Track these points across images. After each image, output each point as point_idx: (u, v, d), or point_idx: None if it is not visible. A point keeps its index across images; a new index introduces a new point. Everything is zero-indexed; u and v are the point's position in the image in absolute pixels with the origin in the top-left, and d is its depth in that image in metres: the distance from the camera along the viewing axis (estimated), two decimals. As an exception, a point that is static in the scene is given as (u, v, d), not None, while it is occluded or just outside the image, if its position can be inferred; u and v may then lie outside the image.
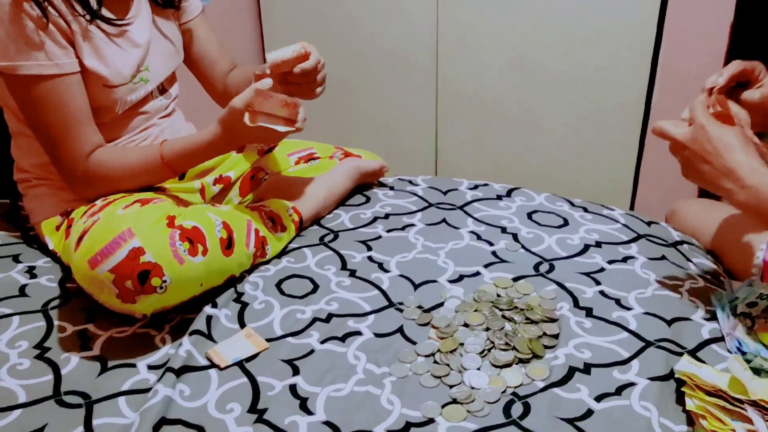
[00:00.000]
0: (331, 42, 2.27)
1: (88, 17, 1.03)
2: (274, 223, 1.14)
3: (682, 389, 0.83)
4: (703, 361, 0.89)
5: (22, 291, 1.07)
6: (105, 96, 1.07)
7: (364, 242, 1.19)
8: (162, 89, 1.21)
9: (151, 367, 0.90)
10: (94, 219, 0.94)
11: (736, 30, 1.90)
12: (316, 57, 1.12)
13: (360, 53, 2.25)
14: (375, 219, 1.27)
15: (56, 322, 0.99)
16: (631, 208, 2.16)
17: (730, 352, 0.91)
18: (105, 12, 1.07)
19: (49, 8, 0.98)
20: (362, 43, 2.23)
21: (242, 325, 0.98)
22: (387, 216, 1.28)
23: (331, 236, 1.22)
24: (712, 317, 0.98)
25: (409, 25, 2.15)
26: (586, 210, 1.29)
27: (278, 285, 1.07)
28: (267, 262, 1.13)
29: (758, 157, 0.89)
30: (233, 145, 1.09)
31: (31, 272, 1.12)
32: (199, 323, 0.96)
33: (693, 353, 0.91)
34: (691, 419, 0.80)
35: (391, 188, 1.40)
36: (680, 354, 0.90)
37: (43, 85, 0.99)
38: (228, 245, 1.01)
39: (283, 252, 1.16)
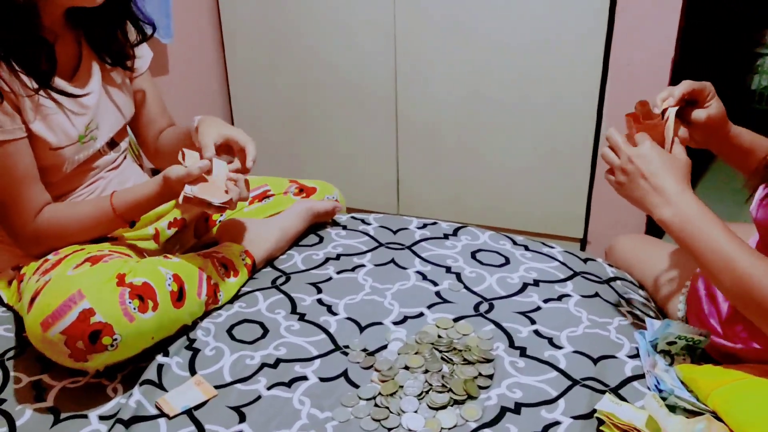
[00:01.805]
0: (292, 73, 2.33)
1: (35, 87, 1.06)
2: (226, 269, 1.19)
3: (601, 428, 0.89)
4: (624, 399, 0.96)
5: (-20, 342, 1.10)
6: (52, 157, 1.11)
7: (314, 284, 1.24)
8: (111, 143, 1.25)
9: (102, 418, 0.94)
10: (45, 279, 0.98)
11: (677, 64, 1.99)
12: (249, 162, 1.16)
13: (320, 85, 2.31)
14: (326, 260, 1.33)
15: (12, 373, 1.03)
16: (585, 233, 2.25)
17: (649, 389, 0.98)
18: (58, 81, 1.10)
19: None
20: (322, 73, 2.30)
21: (193, 372, 1.02)
22: (338, 257, 1.34)
23: (283, 278, 1.27)
24: (637, 354, 1.05)
25: (368, 57, 2.22)
26: (527, 248, 1.36)
27: (229, 330, 1.11)
28: (220, 308, 1.18)
29: (687, 180, 0.94)
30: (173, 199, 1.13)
31: (-11, 322, 1.16)
32: (150, 372, 1.00)
33: (616, 390, 0.97)
34: (608, 457, 0.87)
35: (344, 227, 1.46)
36: (603, 392, 0.96)
37: None
38: (179, 297, 1.05)
39: (236, 296, 1.21)
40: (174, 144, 1.29)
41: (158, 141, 1.35)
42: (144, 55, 1.31)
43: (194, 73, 2.38)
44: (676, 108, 1.01)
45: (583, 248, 2.27)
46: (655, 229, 2.15)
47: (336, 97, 2.32)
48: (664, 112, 1.02)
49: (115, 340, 0.94)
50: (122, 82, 1.26)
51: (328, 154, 2.42)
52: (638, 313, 1.16)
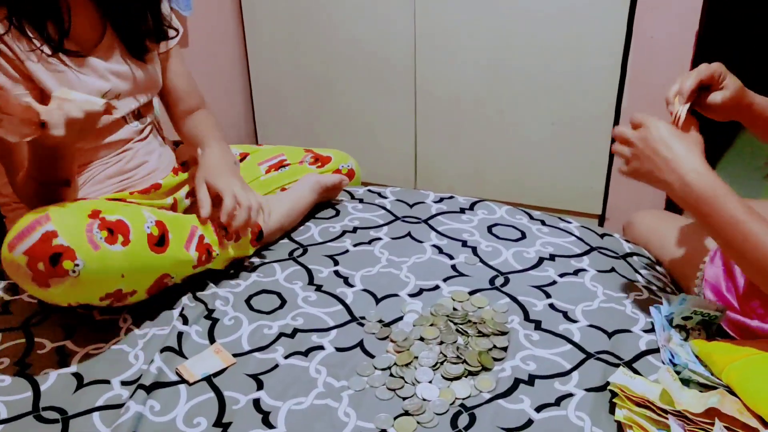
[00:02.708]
0: (311, 45, 2.32)
1: (48, 52, 1.08)
2: (226, 232, 1.20)
3: (614, 400, 0.90)
4: (638, 372, 0.96)
5: (5, 308, 1.13)
6: None
7: (331, 257, 1.25)
8: (137, 115, 1.26)
9: (124, 383, 0.96)
10: None
11: (701, 37, 1.96)
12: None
13: (339, 56, 2.31)
14: (343, 233, 1.34)
15: (36, 339, 1.06)
16: (603, 209, 2.23)
17: (663, 363, 0.98)
18: (69, 45, 1.11)
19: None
20: (341, 45, 2.29)
21: (212, 340, 1.04)
22: (355, 230, 1.34)
23: (300, 251, 1.28)
24: (652, 329, 1.05)
25: (388, 28, 2.20)
26: (543, 223, 1.36)
27: (247, 301, 1.13)
28: (238, 276, 1.19)
29: (702, 154, 0.93)
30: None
31: (13, 289, 1.18)
32: (171, 339, 1.02)
33: (629, 364, 0.98)
34: (620, 429, 0.87)
35: (361, 201, 1.46)
36: (617, 365, 0.97)
37: None
38: (159, 243, 1.05)
39: (254, 266, 1.22)
40: (190, 140, 1.35)
41: (184, 124, 1.37)
42: (172, 32, 1.32)
43: (214, 46, 2.38)
44: (687, 106, 0.99)
45: (601, 224, 2.26)
46: (674, 205, 2.14)
47: (355, 69, 2.31)
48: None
49: (77, 265, 0.93)
50: (148, 57, 1.26)
51: (346, 127, 2.42)
52: (654, 288, 1.16)
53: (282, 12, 2.32)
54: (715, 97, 1.02)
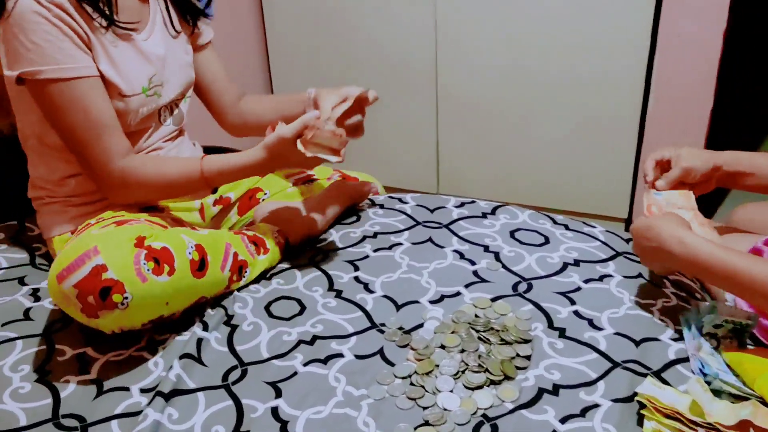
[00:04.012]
0: (333, 48, 2.32)
1: (104, 24, 1.09)
2: (257, 246, 1.20)
3: (642, 411, 0.87)
4: (667, 382, 0.93)
5: (27, 314, 1.14)
6: (119, 105, 1.12)
7: (351, 262, 1.24)
8: (171, 111, 1.26)
9: (143, 391, 0.96)
10: (73, 238, 1.00)
11: (729, 37, 1.92)
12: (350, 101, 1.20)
13: (360, 58, 2.30)
14: (363, 238, 1.32)
15: (57, 346, 1.06)
16: (629, 213, 2.19)
17: (693, 373, 0.95)
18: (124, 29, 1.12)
19: (66, 15, 1.03)
20: (362, 48, 2.28)
21: (231, 347, 1.04)
22: (375, 235, 1.33)
23: (321, 256, 1.27)
24: (681, 337, 1.02)
25: (409, 31, 2.19)
26: (567, 227, 1.33)
27: (267, 307, 1.12)
28: (258, 281, 1.19)
29: (684, 228, 1.00)
30: (272, 170, 1.16)
31: (35, 295, 1.19)
32: (190, 346, 1.02)
33: (658, 374, 0.95)
34: (649, 441, 0.85)
35: (381, 206, 1.45)
36: (645, 375, 0.94)
37: (65, 86, 1.04)
38: (200, 267, 1.05)
39: (274, 272, 1.22)
40: (274, 109, 1.34)
41: (241, 109, 1.37)
42: (204, 32, 1.34)
43: (235, 50, 2.39)
44: (651, 193, 1.17)
45: (627, 228, 2.22)
46: (702, 208, 2.09)
47: (375, 72, 2.30)
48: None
49: (126, 298, 0.95)
50: (186, 48, 1.27)
51: (367, 131, 2.40)
52: (683, 294, 1.13)
53: (303, 15, 2.32)
54: (672, 173, 1.15)
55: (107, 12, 1.09)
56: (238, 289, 1.16)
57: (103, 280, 0.93)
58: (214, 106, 1.38)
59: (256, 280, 1.19)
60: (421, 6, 2.13)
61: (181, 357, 0.99)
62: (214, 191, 1.23)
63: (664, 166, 1.18)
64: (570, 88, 2.06)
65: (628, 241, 1.29)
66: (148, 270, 0.97)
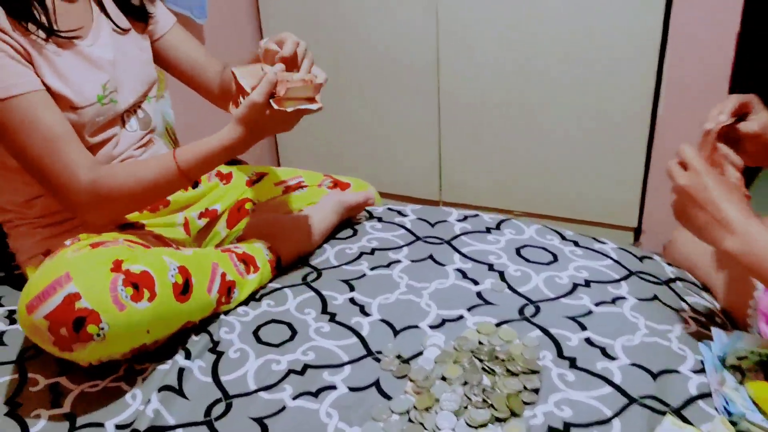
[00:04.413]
0: (329, 52, 2.24)
1: (43, 36, 1.01)
2: (246, 265, 1.12)
3: (662, 457, 0.79)
4: (688, 421, 0.86)
5: (0, 339, 1.06)
6: (72, 119, 1.04)
7: (347, 281, 1.17)
8: (137, 117, 1.18)
9: (119, 427, 0.88)
10: (45, 262, 0.93)
11: (743, 38, 1.83)
12: (290, 46, 1.07)
13: (358, 61, 2.22)
14: (360, 255, 1.25)
15: (29, 375, 0.98)
16: (639, 223, 2.11)
17: (716, 411, 0.87)
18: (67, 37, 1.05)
19: (2, 33, 0.96)
20: (361, 49, 2.20)
21: (216, 377, 0.96)
22: (373, 251, 1.25)
23: (314, 275, 1.19)
24: (702, 369, 0.94)
25: (408, 30, 2.11)
26: (577, 244, 1.25)
27: (255, 332, 1.05)
28: (246, 304, 1.11)
29: (748, 206, 0.86)
30: (253, 142, 1.05)
31: (11, 317, 1.12)
32: (170, 377, 0.94)
33: (678, 411, 0.87)
34: (670, 490, 0.77)
35: (380, 219, 1.38)
36: (664, 413, 0.86)
37: (9, 105, 0.96)
38: (184, 290, 0.98)
39: (264, 293, 1.14)
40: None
41: (222, 81, 1.28)
42: (161, 19, 1.25)
43: (231, 52, 2.31)
44: (718, 128, 0.97)
45: (637, 238, 2.14)
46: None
47: (375, 76, 2.22)
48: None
49: (102, 329, 0.87)
50: (139, 47, 1.19)
51: (366, 136, 2.34)
52: (702, 320, 1.05)
53: (301, 17, 2.25)
54: (751, 125, 0.98)
55: (45, 23, 1.01)
56: (226, 312, 1.09)
57: (76, 310, 0.86)
58: (201, 87, 1.29)
59: (245, 302, 1.12)
60: (421, 3, 2.05)
61: (161, 389, 0.92)
62: (195, 185, 1.14)
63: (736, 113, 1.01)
64: (577, 91, 1.98)
65: (641, 259, 1.21)
66: (126, 297, 0.89)
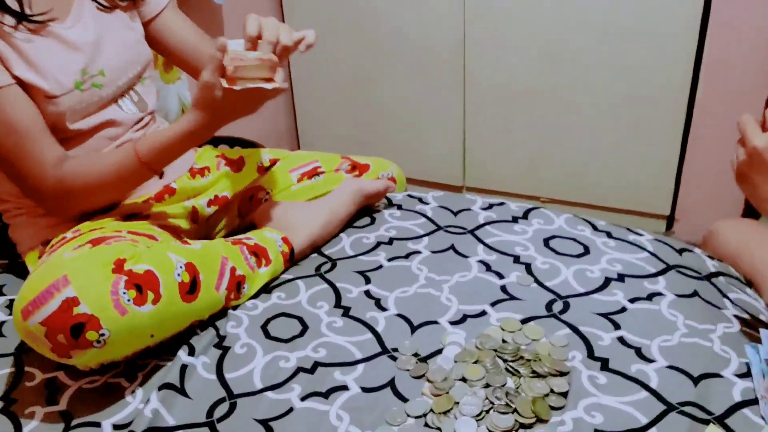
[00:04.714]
0: (353, 33, 2.17)
1: (12, 23, 0.95)
2: (258, 257, 1.06)
3: (705, 473, 0.72)
4: (732, 430, 0.78)
5: (-1, 329, 1.02)
6: (49, 108, 0.99)
7: (362, 273, 1.10)
8: (131, 100, 1.12)
9: (116, 427, 0.83)
10: (43, 261, 0.87)
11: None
12: (251, 24, 0.98)
13: (382, 46, 2.15)
14: (378, 245, 1.18)
15: (26, 368, 0.94)
16: (672, 211, 2.01)
17: (763, 419, 0.79)
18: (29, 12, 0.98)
19: None
20: (385, 34, 2.13)
21: (220, 375, 0.90)
22: (391, 241, 1.19)
23: (328, 265, 1.13)
24: (748, 372, 0.86)
25: (434, 13, 2.03)
26: (609, 235, 1.17)
27: (264, 326, 0.99)
28: (256, 296, 1.05)
29: None
30: (215, 126, 0.99)
31: (11, 306, 1.07)
32: (172, 375, 0.89)
33: (721, 420, 0.79)
34: None
35: (399, 207, 1.30)
36: (706, 422, 0.79)
37: None
38: (191, 290, 0.92)
39: (275, 284, 1.08)
40: None
41: None
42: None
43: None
44: None
45: (670, 226, 2.04)
46: (753, 210, 1.90)
47: (399, 58, 2.14)
48: None
49: (102, 335, 0.81)
50: (128, 26, 1.12)
51: (390, 121, 2.26)
52: (747, 317, 0.97)
53: (322, 2, 2.17)
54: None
55: (16, 7, 0.95)
56: (234, 306, 1.03)
57: (74, 316, 0.80)
58: (192, 71, 1.22)
59: (255, 294, 1.06)
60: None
61: (161, 387, 0.86)
62: (161, 176, 1.10)
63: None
64: (610, 76, 1.88)
65: (680, 251, 1.13)
66: (128, 300, 0.83)
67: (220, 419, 0.83)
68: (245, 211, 1.28)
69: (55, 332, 0.80)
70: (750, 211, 1.90)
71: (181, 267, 0.91)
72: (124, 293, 0.83)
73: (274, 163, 1.32)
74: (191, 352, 0.93)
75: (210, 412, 0.84)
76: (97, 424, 0.84)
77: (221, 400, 0.86)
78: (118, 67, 1.08)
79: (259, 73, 0.95)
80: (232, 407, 0.85)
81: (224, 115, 0.98)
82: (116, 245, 0.89)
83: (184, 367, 0.90)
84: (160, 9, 1.18)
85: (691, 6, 1.72)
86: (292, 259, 1.12)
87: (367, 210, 1.29)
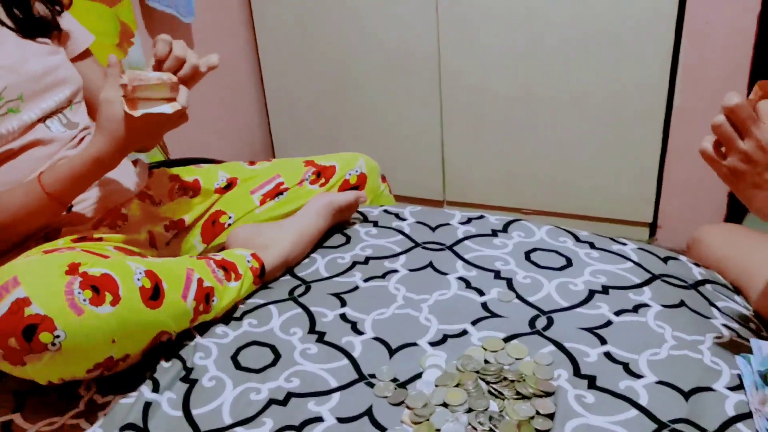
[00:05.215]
0: (326, 43, 2.14)
1: None
2: (226, 271, 1.02)
3: (702, 497, 0.68)
4: (728, 449, 0.74)
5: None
6: None
7: (338, 295, 1.05)
8: (60, 120, 1.08)
9: (75, 473, 0.78)
10: None
11: (764, 21, 1.71)
12: (161, 46, 0.96)
13: (356, 55, 2.12)
14: (353, 265, 1.13)
15: (-19, 412, 0.88)
16: (655, 218, 1.99)
17: (761, 436, 0.75)
18: None
19: None
20: (358, 43, 2.10)
21: (186, 411, 0.85)
22: (367, 260, 1.14)
23: (302, 288, 1.08)
24: (740, 384, 0.82)
25: (408, 21, 2.01)
26: (592, 246, 1.13)
27: (234, 356, 0.94)
28: (227, 323, 1.00)
29: None
30: (121, 151, 0.95)
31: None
32: (134, 413, 0.83)
33: (716, 437, 0.75)
34: None
35: (375, 224, 1.26)
36: (700, 440, 0.75)
37: None
38: (154, 296, 0.86)
39: (246, 310, 1.03)
40: None
41: None
42: (79, 36, 1.15)
43: (221, 50, 2.21)
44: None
45: (653, 233, 2.02)
46: (735, 215, 1.88)
47: (373, 67, 2.12)
48: None
49: (57, 337, 0.75)
50: (51, 50, 1.09)
51: (363, 134, 2.23)
52: (736, 327, 0.93)
53: (294, 9, 2.14)
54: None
55: None
56: (202, 333, 0.98)
57: (26, 317, 0.74)
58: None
59: (226, 321, 1.01)
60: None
61: (123, 428, 0.81)
62: (69, 209, 1.05)
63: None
64: (588, 81, 1.86)
65: (666, 260, 1.09)
66: (84, 300, 0.77)
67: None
68: (209, 237, 1.23)
69: (6, 336, 0.74)
70: (732, 216, 1.88)
71: (141, 273, 0.86)
72: (80, 293, 0.77)
73: (231, 182, 1.28)
74: (155, 388, 0.87)
75: (175, 453, 0.79)
76: (55, 471, 0.78)
77: (188, 439, 0.81)
78: (39, 93, 1.04)
79: (159, 93, 0.92)
80: (200, 446, 0.80)
81: (127, 139, 0.95)
82: (69, 253, 0.83)
83: (147, 405, 0.85)
84: (81, 50, 1.15)
85: (666, 9, 1.71)
86: (263, 276, 1.07)
87: (341, 227, 1.25)
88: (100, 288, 0.80)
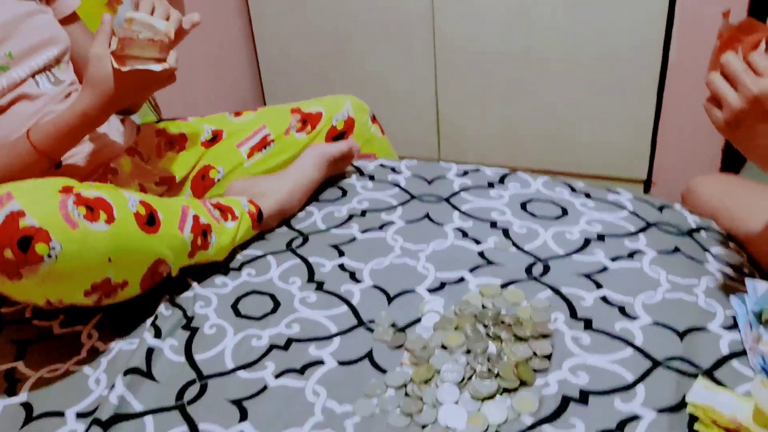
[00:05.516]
0: (320, 3, 2.11)
1: None
2: (223, 212, 1.02)
3: (695, 427, 0.69)
4: (721, 383, 0.75)
5: (-46, 323, 0.97)
6: None
7: (335, 246, 1.06)
8: (48, 77, 1.06)
9: (80, 415, 0.79)
10: None
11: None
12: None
13: (351, 3, 2.09)
14: (350, 217, 1.14)
15: (-16, 361, 0.89)
16: (649, 174, 2.00)
17: (753, 371, 0.77)
18: None
19: None
20: (353, 4, 2.07)
21: (189, 356, 0.86)
22: (364, 213, 1.15)
23: (299, 240, 1.09)
24: (735, 324, 0.84)
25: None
26: (588, 196, 1.14)
27: (234, 305, 0.95)
28: (226, 273, 1.01)
29: None
30: (109, 106, 0.95)
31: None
32: (137, 359, 0.84)
33: (710, 373, 0.77)
34: (706, 464, 0.67)
35: (371, 177, 1.26)
36: (694, 375, 0.76)
37: None
38: (149, 222, 0.86)
39: (245, 261, 1.04)
40: None
41: None
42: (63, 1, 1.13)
43: (212, 8, 2.18)
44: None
45: (647, 190, 2.03)
46: (731, 167, 1.89)
47: (367, 25, 2.09)
48: None
49: (53, 248, 0.75)
50: (41, 9, 1.07)
51: (359, 92, 2.18)
52: (730, 271, 0.95)
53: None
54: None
55: None
56: (201, 283, 0.98)
57: (21, 229, 0.73)
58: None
59: (225, 272, 1.02)
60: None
61: (127, 372, 0.82)
62: (59, 166, 1.04)
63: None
64: (582, 35, 1.85)
65: (661, 208, 1.10)
66: (78, 215, 0.77)
67: (191, 402, 0.79)
68: (199, 192, 1.23)
69: (1, 247, 0.73)
70: (728, 168, 1.89)
71: (135, 201, 0.86)
72: (74, 209, 0.77)
73: (217, 134, 1.27)
74: (157, 334, 0.88)
75: (180, 395, 0.80)
76: (61, 414, 0.79)
77: (191, 382, 0.82)
78: (28, 49, 1.02)
79: (149, 52, 0.92)
80: (203, 389, 0.81)
81: (114, 95, 0.94)
82: (63, 178, 0.83)
83: (150, 351, 0.86)
84: (65, 14, 1.13)
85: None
86: (261, 221, 1.07)
87: (336, 181, 1.25)
88: (94, 207, 0.80)
